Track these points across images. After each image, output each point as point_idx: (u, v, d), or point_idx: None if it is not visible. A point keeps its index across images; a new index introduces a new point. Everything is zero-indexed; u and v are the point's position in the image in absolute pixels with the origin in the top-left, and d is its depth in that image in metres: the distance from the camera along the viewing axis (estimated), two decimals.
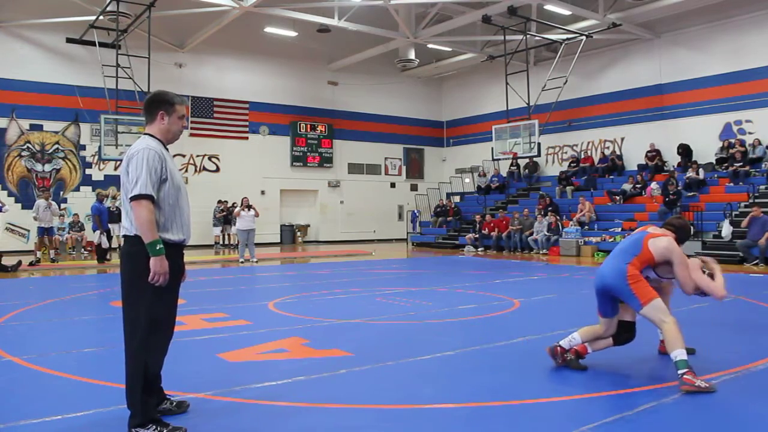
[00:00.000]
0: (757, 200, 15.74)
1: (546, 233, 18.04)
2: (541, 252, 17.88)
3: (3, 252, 14.39)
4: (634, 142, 20.90)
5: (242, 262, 15.29)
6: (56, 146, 19.89)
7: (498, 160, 21.81)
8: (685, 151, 19.08)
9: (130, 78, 17.24)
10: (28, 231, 18.85)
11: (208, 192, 21.40)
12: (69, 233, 17.74)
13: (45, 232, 15.58)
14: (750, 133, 18.19)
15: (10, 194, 18.97)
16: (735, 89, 18.48)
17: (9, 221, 18.90)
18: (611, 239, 16.73)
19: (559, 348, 4.70)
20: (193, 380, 4.37)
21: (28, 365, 4.94)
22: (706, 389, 3.99)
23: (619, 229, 17.18)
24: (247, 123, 23.34)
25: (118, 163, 17.40)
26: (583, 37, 19.49)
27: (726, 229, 14.84)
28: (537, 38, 20.59)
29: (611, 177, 20.80)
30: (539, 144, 19.59)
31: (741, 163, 17.42)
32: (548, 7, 18.71)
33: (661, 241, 4.44)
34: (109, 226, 17.20)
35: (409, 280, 12.18)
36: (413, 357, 5.17)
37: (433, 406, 3.94)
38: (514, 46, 20.10)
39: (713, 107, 18.99)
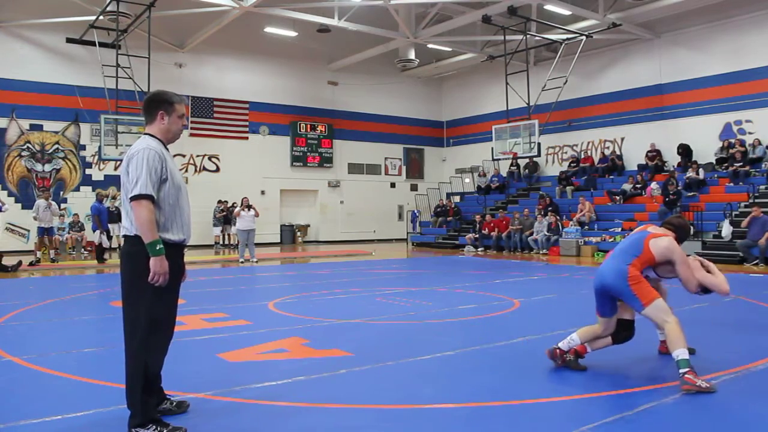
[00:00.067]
0: (757, 200, 15.74)
1: (546, 233, 18.04)
2: (541, 252, 17.88)
3: (3, 252, 14.39)
4: (634, 142, 20.90)
5: (242, 262, 15.29)
6: (56, 146, 19.89)
7: (498, 160, 21.81)
8: (685, 151, 19.08)
9: (130, 78, 17.24)
10: (28, 231, 18.85)
11: (208, 192, 21.40)
12: (69, 233, 17.74)
13: (45, 232, 15.58)
14: (750, 133, 18.19)
15: (10, 194, 18.97)
16: (735, 89, 18.48)
17: (9, 221, 18.91)
18: (611, 239, 16.73)
19: (558, 350, 4.70)
20: (193, 380, 4.37)
21: (28, 365, 4.94)
22: (706, 389, 3.99)
23: (619, 229, 17.18)
24: (247, 123, 23.34)
25: (118, 163, 17.41)
26: (583, 37, 19.49)
27: (726, 229, 14.84)
28: (537, 38, 20.59)
29: (611, 177, 20.81)
30: (539, 144, 19.59)
31: (741, 163, 17.42)
32: (548, 7, 18.71)
33: (661, 242, 4.44)
34: (109, 226, 17.21)
35: (409, 280, 12.18)
36: (413, 357, 5.17)
37: (433, 406, 3.94)
38: (514, 46, 20.10)
39: (713, 107, 18.99)
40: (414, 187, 27.21)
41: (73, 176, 20.23)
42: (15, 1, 18.75)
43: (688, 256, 4.63)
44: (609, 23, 18.79)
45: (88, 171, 20.43)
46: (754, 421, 3.61)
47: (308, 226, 24.93)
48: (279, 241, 23.84)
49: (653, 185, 18.15)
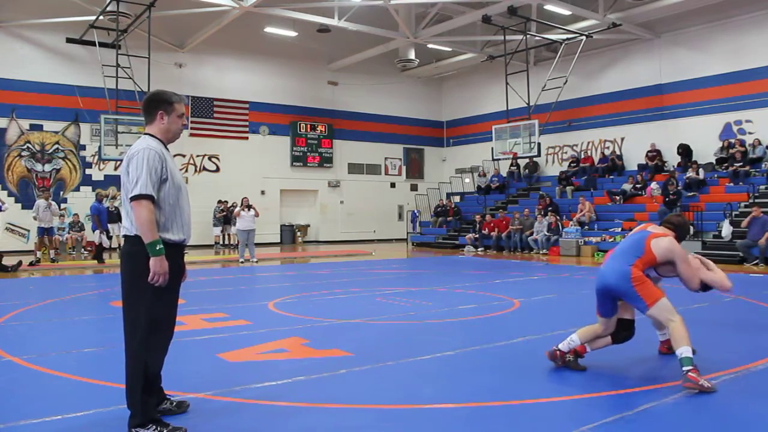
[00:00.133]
0: (757, 200, 15.74)
1: (546, 233, 18.04)
2: (541, 252, 17.88)
3: (3, 252, 14.39)
4: (634, 142, 20.90)
5: (242, 262, 15.29)
6: (56, 146, 19.89)
7: (498, 160, 21.82)
8: (685, 151, 19.08)
9: (130, 78, 17.24)
10: (28, 231, 18.85)
11: (208, 192, 21.40)
12: (69, 233, 17.74)
13: (45, 232, 15.58)
14: (750, 133, 18.19)
15: (10, 194, 18.97)
16: (735, 89, 18.48)
17: (9, 221, 18.91)
18: (611, 239, 16.73)
19: (558, 352, 4.69)
20: (193, 380, 4.37)
21: (28, 365, 4.94)
22: (707, 389, 3.99)
23: (619, 229, 17.17)
24: (247, 123, 23.34)
25: (118, 163, 17.41)
26: (583, 37, 19.49)
27: (726, 229, 14.84)
28: (537, 38, 20.59)
29: (611, 177, 20.80)
30: (539, 144, 19.59)
31: (741, 163, 17.42)
32: (548, 7, 18.71)
33: (663, 242, 4.44)
34: (109, 225, 17.21)
35: (409, 280, 12.18)
36: (413, 357, 5.17)
37: (433, 406, 3.94)
38: (514, 46, 20.10)
39: (713, 107, 18.99)
40: (414, 187, 27.21)
41: (73, 176, 20.23)
42: (15, 1, 18.75)
43: (688, 255, 4.64)
44: (609, 23, 18.79)
45: (88, 171, 20.43)
46: (754, 421, 3.61)
47: (308, 226, 24.94)
48: (279, 241, 23.84)
49: (653, 185, 18.15)
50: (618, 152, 21.35)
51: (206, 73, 22.42)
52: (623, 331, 4.67)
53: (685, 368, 4.04)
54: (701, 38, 19.39)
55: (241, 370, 4.81)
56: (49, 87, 19.57)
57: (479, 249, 19.50)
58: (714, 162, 18.43)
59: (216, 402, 3.96)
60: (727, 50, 18.70)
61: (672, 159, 19.59)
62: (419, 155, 27.97)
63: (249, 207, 15.50)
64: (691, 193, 17.21)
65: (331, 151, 25.24)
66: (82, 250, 17.83)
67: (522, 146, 19.75)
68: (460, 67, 25.43)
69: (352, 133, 25.80)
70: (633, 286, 4.29)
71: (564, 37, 20.09)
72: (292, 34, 21.53)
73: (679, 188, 17.09)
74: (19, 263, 13.62)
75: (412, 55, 23.04)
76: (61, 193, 19.92)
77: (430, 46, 22.60)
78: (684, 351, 4.08)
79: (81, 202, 19.68)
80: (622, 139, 21.51)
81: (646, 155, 19.93)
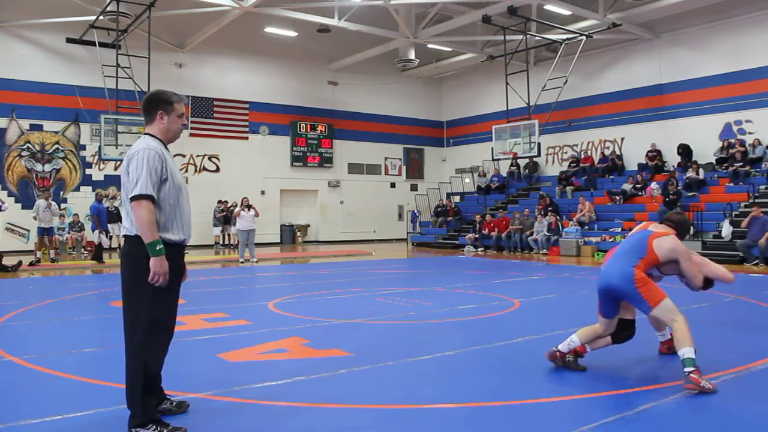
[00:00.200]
0: (757, 200, 15.74)
1: (546, 233, 18.04)
2: (541, 252, 17.88)
3: (3, 252, 14.39)
4: (634, 142, 20.90)
5: (242, 262, 15.29)
6: (56, 146, 19.89)
7: (498, 160, 21.82)
8: (685, 151, 19.08)
9: (130, 78, 17.24)
10: (28, 231, 18.85)
11: (208, 192, 21.39)
12: (69, 233, 17.73)
13: (45, 232, 15.57)
14: (750, 133, 18.19)
15: (10, 194, 18.97)
16: (735, 89, 18.48)
17: (9, 221, 18.91)
18: (611, 239, 16.73)
19: (558, 353, 4.68)
20: (193, 380, 4.37)
21: (28, 365, 4.94)
22: (709, 390, 3.99)
23: (619, 229, 17.17)
24: (247, 123, 23.34)
25: (118, 163, 17.42)
26: (583, 37, 19.49)
27: (726, 229, 14.84)
28: (537, 38, 20.59)
29: (611, 177, 20.81)
30: (539, 144, 19.59)
31: (741, 163, 17.42)
32: (548, 7, 18.71)
33: (665, 243, 4.42)
34: (109, 225, 17.22)
35: (409, 280, 12.18)
36: (413, 357, 5.17)
37: (433, 406, 3.94)
38: (514, 46, 20.10)
39: (713, 107, 18.99)
40: (414, 187, 27.21)
41: (73, 176, 20.23)
42: (15, 1, 18.75)
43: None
44: (609, 23, 18.79)
45: (88, 171, 20.43)
46: (754, 422, 3.61)
47: (308, 226, 24.93)
48: (279, 241, 23.84)
49: (653, 185, 18.15)
50: (618, 152, 21.35)
51: (206, 73, 22.42)
52: (624, 331, 4.66)
53: (687, 369, 4.03)
54: (701, 38, 19.39)
55: (241, 370, 4.81)
56: (49, 87, 19.57)
57: (479, 249, 19.50)
58: (714, 162, 18.43)
59: (216, 402, 3.96)
60: (727, 50, 18.70)
61: (672, 159, 19.59)
62: (419, 155, 27.97)
63: (249, 207, 15.50)
64: (691, 193, 17.21)
65: (331, 151, 25.25)
66: (82, 250, 17.83)
67: (522, 146, 19.75)
68: (460, 67, 25.43)
69: (352, 133, 25.80)
70: (636, 287, 4.28)
71: (564, 37, 20.09)
72: (292, 34, 21.53)
73: (679, 188, 17.09)
74: (19, 263, 13.62)
75: (412, 55, 23.04)
76: (61, 193, 19.92)
77: (430, 46, 22.60)
78: (687, 352, 4.07)
79: (81, 202, 19.68)
80: (622, 139, 21.52)
81: (646, 155, 19.93)
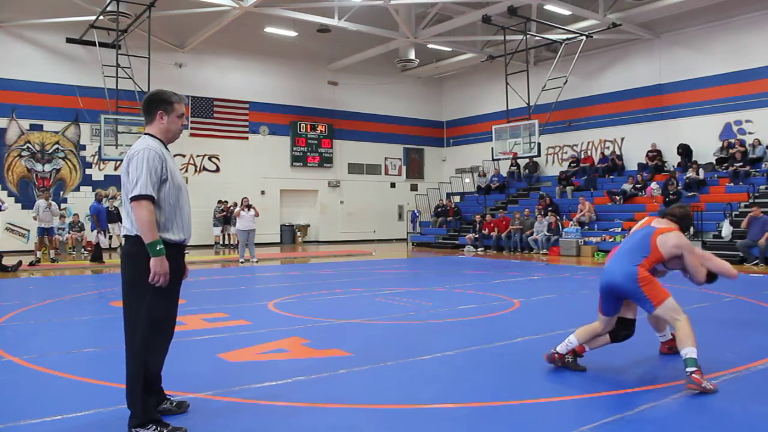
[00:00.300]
0: (757, 200, 15.74)
1: (546, 233, 18.04)
2: (541, 252, 17.87)
3: (3, 252, 14.38)
4: (634, 142, 20.90)
5: (242, 262, 15.29)
6: (56, 146, 19.89)
7: (498, 160, 21.82)
8: (685, 151, 19.08)
9: (130, 78, 17.24)
10: (28, 231, 18.85)
11: (208, 192, 21.39)
12: (69, 233, 17.74)
13: (45, 232, 15.58)
14: (750, 133, 18.19)
15: (10, 194, 18.97)
16: (735, 89, 18.48)
17: (9, 221, 18.90)
18: (611, 239, 16.73)
19: (556, 355, 4.66)
20: (193, 380, 4.37)
21: (28, 365, 4.94)
22: (710, 390, 3.98)
23: (619, 229, 17.17)
24: (247, 123, 23.34)
25: (118, 163, 17.43)
26: (583, 37, 19.49)
27: (726, 229, 14.85)
28: (537, 38, 20.59)
29: (611, 177, 20.81)
30: (539, 144, 19.59)
31: (741, 163, 17.42)
32: (548, 7, 18.71)
33: (669, 239, 4.37)
34: (108, 225, 17.22)
35: (410, 280, 12.18)
36: (413, 357, 5.17)
37: (433, 406, 3.94)
38: (514, 46, 20.10)
39: (713, 107, 18.99)
40: (414, 187, 27.21)
41: (73, 176, 20.22)
42: (15, 1, 18.75)
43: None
44: (609, 23, 18.79)
45: (88, 171, 20.43)
46: (754, 422, 3.61)
47: (308, 226, 24.93)
48: (279, 241, 23.84)
49: (653, 185, 18.16)
50: (618, 152, 21.35)
51: (206, 73, 22.41)
52: (623, 331, 4.63)
53: (689, 369, 4.02)
54: (701, 38, 19.39)
55: (241, 370, 4.81)
56: (49, 87, 19.57)
57: (479, 249, 19.50)
58: (714, 162, 18.42)
59: (216, 402, 3.96)
60: (727, 50, 18.69)
61: (672, 159, 19.59)
62: (419, 155, 27.97)
63: (249, 207, 15.50)
64: (691, 193, 17.21)
65: (331, 151, 25.24)
66: (82, 250, 17.84)
67: (522, 146, 19.75)
68: (460, 67, 25.43)
69: (352, 133, 25.80)
70: (640, 286, 4.25)
71: (564, 37, 20.09)
72: (292, 34, 21.53)
73: (679, 188, 17.09)
74: (19, 263, 13.62)
75: (412, 55, 23.04)
76: (61, 193, 19.91)
77: (430, 46, 22.59)
78: (689, 351, 4.06)
79: (81, 202, 19.67)
80: (622, 139, 21.52)
81: (646, 155, 19.92)
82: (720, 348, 5.38)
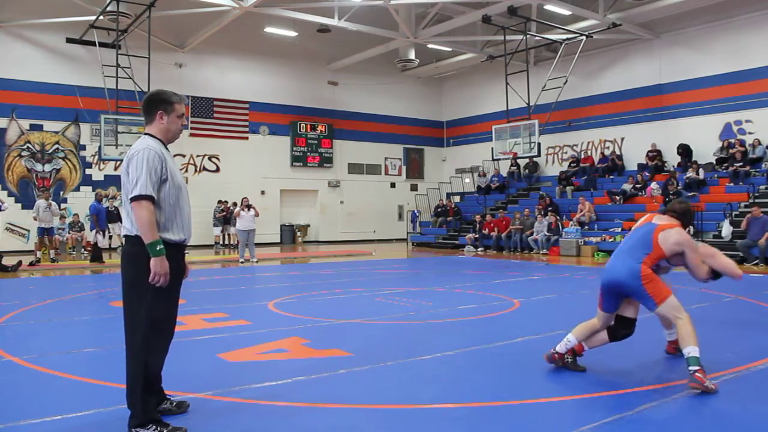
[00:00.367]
0: (757, 200, 15.74)
1: (546, 233, 18.04)
2: (541, 252, 17.87)
3: (3, 252, 14.38)
4: (634, 142, 20.90)
5: (242, 262, 15.29)
6: (56, 146, 19.89)
7: (498, 160, 21.82)
8: (685, 151, 19.08)
9: (130, 78, 17.25)
10: (28, 231, 18.85)
11: (208, 192, 21.39)
12: (69, 233, 17.74)
13: (45, 232, 15.59)
14: (750, 133, 18.19)
15: (10, 194, 18.97)
16: (735, 89, 18.48)
17: (9, 221, 18.90)
18: (611, 239, 16.73)
19: (556, 354, 4.66)
20: (193, 380, 4.37)
21: (28, 365, 4.94)
22: (711, 390, 3.98)
23: (619, 229, 17.17)
24: (247, 123, 23.34)
25: (118, 163, 17.43)
26: (583, 37, 19.49)
27: (726, 229, 14.85)
28: (537, 38, 20.59)
29: (611, 177, 20.81)
30: (539, 144, 19.60)
31: (741, 163, 17.42)
32: (548, 7, 18.71)
33: (670, 236, 4.35)
34: (108, 225, 17.22)
35: (410, 280, 12.18)
36: (413, 357, 5.17)
37: (433, 406, 3.94)
38: (514, 46, 20.10)
39: (713, 107, 18.99)
40: (414, 187, 27.21)
41: (73, 176, 20.23)
42: (15, 1, 18.75)
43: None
44: (609, 23, 18.79)
45: (88, 171, 20.43)
46: (754, 422, 3.61)
47: (308, 226, 24.93)
48: (279, 241, 23.84)
49: (653, 185, 18.16)
50: (618, 152, 21.35)
51: (206, 73, 22.41)
52: (622, 330, 4.60)
53: (691, 368, 4.01)
54: (701, 38, 19.39)
55: (241, 370, 4.81)
56: (49, 87, 19.57)
57: (479, 249, 19.50)
58: (714, 162, 18.43)
59: (216, 402, 3.96)
60: (727, 50, 18.70)
61: (672, 159, 19.59)
62: (419, 155, 27.97)
63: (249, 207, 15.50)
64: (691, 193, 17.21)
65: (331, 151, 25.24)
66: (82, 250, 17.84)
67: (522, 146, 19.76)
68: (460, 67, 25.43)
69: (352, 133, 25.80)
70: (642, 284, 4.24)
71: (564, 37, 20.09)
72: (292, 34, 21.53)
73: (679, 188, 17.10)
74: (19, 263, 13.61)
75: (412, 55, 23.04)
76: (61, 193, 19.91)
77: (430, 46, 22.59)
78: (691, 350, 4.06)
79: (81, 202, 19.67)
80: (622, 139, 21.52)
81: (647, 155, 19.92)
82: (720, 348, 5.37)
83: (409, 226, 25.11)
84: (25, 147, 19.38)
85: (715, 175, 17.90)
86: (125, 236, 3.45)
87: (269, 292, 10.13)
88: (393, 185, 27.08)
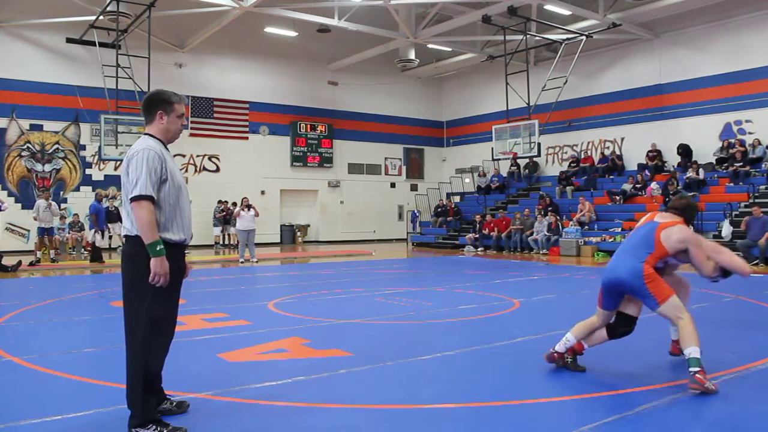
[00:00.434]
0: (757, 200, 15.74)
1: (546, 233, 18.03)
2: (541, 252, 17.87)
3: (3, 252, 14.38)
4: (634, 142, 20.90)
5: (242, 262, 15.29)
6: (56, 146, 19.89)
7: (498, 160, 21.83)
8: (685, 151, 19.08)
9: (130, 78, 17.24)
10: (28, 231, 18.85)
11: (208, 192, 21.39)
12: (69, 233, 17.74)
13: (45, 232, 15.59)
14: (750, 133, 18.19)
15: (10, 194, 18.97)
16: (735, 89, 18.48)
17: (9, 221, 18.90)
18: (611, 239, 16.73)
19: (555, 354, 4.65)
20: (193, 380, 4.37)
21: (28, 365, 4.94)
22: (711, 391, 3.98)
23: (619, 229, 17.17)
24: (247, 123, 23.34)
25: (118, 163, 17.43)
26: (583, 37, 19.49)
27: (726, 229, 14.85)
28: (537, 38, 20.59)
29: (611, 177, 20.81)
30: (539, 144, 19.60)
31: (741, 163, 17.42)
32: (548, 7, 18.71)
33: (672, 233, 4.32)
34: (108, 225, 17.21)
35: (410, 280, 12.18)
36: (413, 357, 5.17)
37: (433, 406, 3.94)
38: (514, 46, 20.10)
39: (713, 107, 18.99)
40: (414, 187, 27.21)
41: (73, 176, 20.23)
42: (15, 1, 18.75)
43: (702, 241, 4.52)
44: (609, 23, 18.79)
45: (88, 171, 20.43)
46: (754, 421, 3.61)
47: (308, 226, 24.93)
48: (279, 241, 23.84)
49: (653, 185, 18.15)
50: (618, 152, 21.35)
51: (206, 73, 22.41)
52: (621, 327, 4.58)
53: (692, 369, 4.01)
54: (701, 38, 19.39)
55: (241, 370, 4.81)
56: (49, 87, 19.57)
57: (479, 249, 19.50)
58: (714, 162, 18.43)
59: (216, 402, 3.96)
60: (727, 50, 18.70)
61: (672, 159, 19.59)
62: (419, 155, 27.97)
63: (249, 207, 15.50)
64: (692, 193, 17.17)
65: (331, 151, 25.24)
66: (82, 250, 17.84)
67: (522, 146, 19.76)
68: (460, 67, 25.42)
69: (352, 133, 25.80)
70: (645, 283, 4.22)
71: (564, 37, 20.09)
72: (292, 34, 21.53)
73: (679, 188, 17.08)
74: (19, 263, 13.61)
75: (412, 55, 23.03)
76: (61, 193, 19.91)
77: (430, 46, 22.59)
78: (692, 351, 4.05)
79: (81, 202, 19.66)
80: (622, 139, 21.52)
81: (646, 155, 19.92)
82: (720, 348, 5.37)
83: (409, 226, 25.11)
84: (25, 147, 19.38)
85: (715, 175, 17.90)
86: (125, 236, 3.46)
87: (269, 292, 10.13)
88: (393, 185, 27.08)
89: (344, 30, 20.23)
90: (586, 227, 18.05)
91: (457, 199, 24.76)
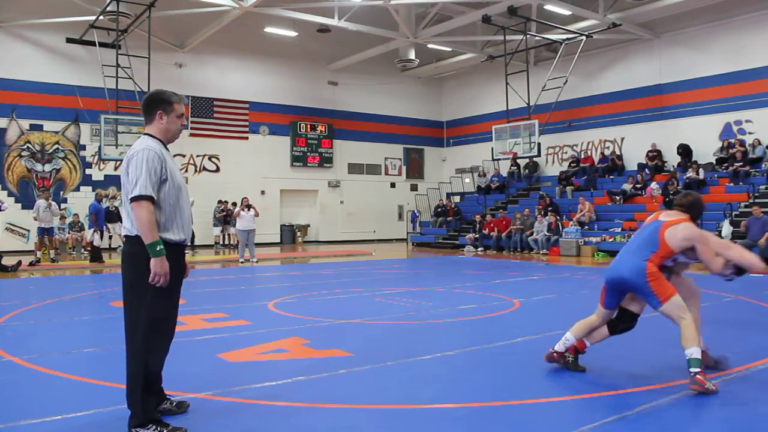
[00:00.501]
0: (757, 200, 15.74)
1: (546, 233, 18.03)
2: (541, 252, 17.87)
3: (3, 252, 14.38)
4: (634, 142, 20.90)
5: (242, 262, 15.29)
6: (56, 146, 19.89)
7: (498, 160, 21.83)
8: (685, 151, 19.08)
9: (130, 78, 17.24)
10: (28, 231, 18.85)
11: (208, 192, 21.39)
12: (69, 233, 17.74)
13: (45, 232, 15.59)
14: (750, 133, 18.19)
15: (10, 194, 18.97)
16: (735, 89, 18.48)
17: (9, 221, 18.91)
18: (611, 239, 16.73)
19: (555, 353, 4.64)
20: (193, 380, 4.37)
21: (28, 365, 4.94)
22: (711, 391, 3.97)
23: (619, 229, 17.17)
24: (247, 123, 23.34)
25: (118, 163, 17.43)
26: (583, 37, 19.49)
27: (726, 229, 14.84)
28: (537, 38, 20.59)
29: (611, 177, 20.81)
30: (539, 144, 19.60)
31: (741, 163, 17.42)
32: (548, 7, 18.71)
33: (677, 232, 4.28)
34: (108, 225, 17.21)
35: (410, 280, 12.18)
36: (413, 357, 5.17)
37: (433, 406, 3.94)
38: (514, 46, 20.10)
39: (713, 107, 18.99)
40: (414, 187, 27.21)
41: (73, 176, 20.22)
42: (15, 1, 18.75)
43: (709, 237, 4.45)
44: (609, 23, 18.79)
45: (88, 171, 20.43)
46: (754, 422, 3.61)
47: (308, 226, 24.93)
48: (279, 241, 23.84)
49: (653, 185, 18.16)
50: (618, 152, 21.35)
51: (206, 73, 22.41)
52: (622, 324, 4.57)
53: (693, 370, 4.00)
54: (701, 38, 19.38)
55: (241, 370, 4.81)
56: (49, 87, 19.57)
57: (479, 249, 19.50)
58: (714, 162, 18.42)
59: (216, 402, 3.96)
60: (727, 50, 18.69)
61: (672, 159, 19.59)
62: (419, 155, 27.97)
63: (249, 207, 15.50)
64: None
65: (331, 151, 25.24)
66: (82, 250, 17.83)
67: (522, 146, 19.76)
68: (460, 67, 25.42)
69: (352, 133, 25.80)
70: (647, 281, 4.21)
71: (564, 37, 20.09)
72: (292, 34, 21.52)
73: (679, 188, 17.08)
74: (19, 263, 13.61)
75: (412, 55, 23.03)
76: (61, 193, 19.91)
77: (430, 46, 22.59)
78: (693, 352, 4.04)
79: (81, 202, 19.66)
80: (622, 139, 21.52)
81: (646, 155, 19.92)
82: (720, 348, 5.36)
83: (409, 226, 25.11)
84: (25, 147, 19.38)
85: (715, 175, 17.89)
86: (125, 236, 3.46)
87: (269, 292, 10.13)
88: (393, 185, 27.07)
89: (344, 30, 20.23)
90: (586, 227, 18.04)
91: (457, 199, 24.76)
